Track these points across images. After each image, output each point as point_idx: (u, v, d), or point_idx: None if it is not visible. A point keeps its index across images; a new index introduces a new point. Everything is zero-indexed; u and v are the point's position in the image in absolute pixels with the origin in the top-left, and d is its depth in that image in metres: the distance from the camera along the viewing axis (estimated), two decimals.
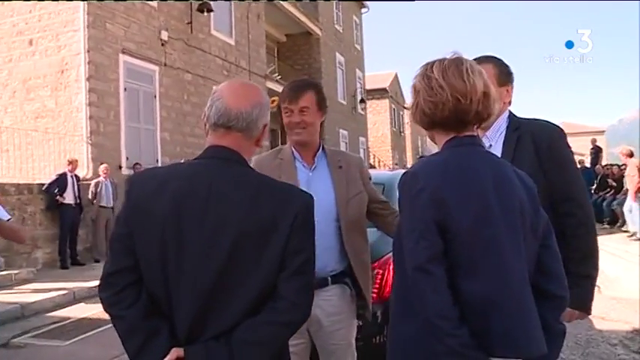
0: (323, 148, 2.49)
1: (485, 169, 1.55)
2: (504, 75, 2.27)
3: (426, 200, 1.47)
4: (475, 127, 1.66)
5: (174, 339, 1.48)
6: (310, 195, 1.62)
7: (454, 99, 1.56)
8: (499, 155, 2.10)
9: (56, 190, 9.60)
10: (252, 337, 1.44)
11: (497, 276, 1.46)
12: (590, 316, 5.44)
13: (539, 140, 2.15)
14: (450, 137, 1.63)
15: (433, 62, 1.65)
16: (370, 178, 2.59)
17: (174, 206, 1.48)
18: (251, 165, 2.40)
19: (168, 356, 1.45)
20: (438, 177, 1.50)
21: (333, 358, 2.41)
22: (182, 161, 2.71)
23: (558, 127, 2.26)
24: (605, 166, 16.32)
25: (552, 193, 2.07)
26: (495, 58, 2.32)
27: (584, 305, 2.14)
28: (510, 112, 2.28)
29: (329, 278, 2.34)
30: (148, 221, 1.49)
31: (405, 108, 37.79)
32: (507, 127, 2.23)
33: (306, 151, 2.44)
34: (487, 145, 2.18)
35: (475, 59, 2.21)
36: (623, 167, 14.36)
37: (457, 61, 1.61)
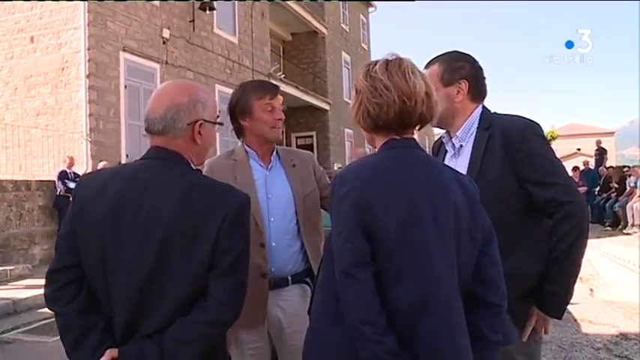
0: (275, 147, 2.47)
1: (418, 172, 1.50)
2: (450, 72, 2.07)
3: (351, 203, 1.43)
4: (417, 128, 1.62)
5: (112, 336, 1.51)
6: (245, 195, 1.62)
7: (400, 101, 1.52)
8: (468, 157, 2.02)
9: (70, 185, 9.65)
10: (182, 336, 1.46)
11: (424, 281, 1.42)
12: (578, 320, 5.43)
13: (509, 139, 1.93)
14: (387, 139, 1.58)
15: (375, 62, 1.59)
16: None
17: (112, 207, 1.52)
18: (205, 167, 2.41)
19: (103, 358, 1.47)
20: (365, 180, 1.47)
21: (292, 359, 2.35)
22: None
23: (533, 122, 2.00)
24: (609, 167, 16.27)
25: (535, 196, 1.91)
26: (446, 54, 2.14)
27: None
28: (484, 108, 2.10)
29: (289, 278, 2.31)
30: (89, 221, 1.53)
31: None
32: (478, 125, 2.05)
33: (266, 150, 2.41)
34: (457, 145, 2.09)
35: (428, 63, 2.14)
36: (626, 170, 14.29)
37: (399, 62, 1.57)
